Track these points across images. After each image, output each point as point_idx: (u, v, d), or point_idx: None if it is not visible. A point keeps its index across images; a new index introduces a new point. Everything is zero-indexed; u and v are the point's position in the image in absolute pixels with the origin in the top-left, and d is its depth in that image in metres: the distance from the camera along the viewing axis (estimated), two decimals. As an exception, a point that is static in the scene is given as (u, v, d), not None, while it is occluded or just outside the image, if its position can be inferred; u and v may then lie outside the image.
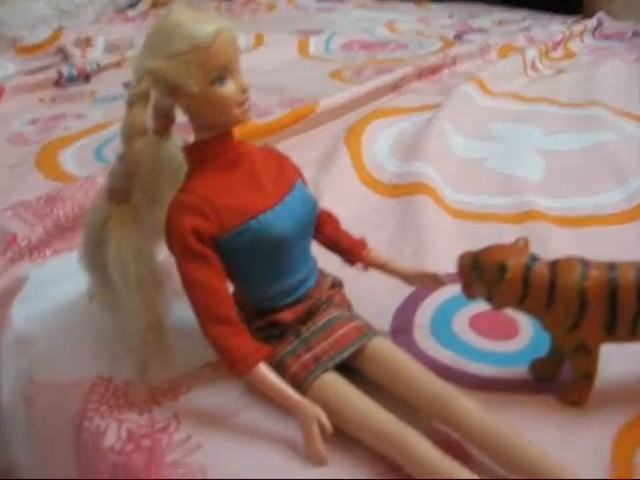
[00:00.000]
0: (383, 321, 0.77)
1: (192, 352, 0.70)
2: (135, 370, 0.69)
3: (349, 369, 0.67)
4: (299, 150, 1.24)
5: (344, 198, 1.07)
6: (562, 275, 0.62)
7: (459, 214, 1.03)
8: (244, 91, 0.64)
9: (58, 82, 1.71)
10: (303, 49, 1.93)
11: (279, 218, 0.66)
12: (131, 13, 2.46)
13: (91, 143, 1.30)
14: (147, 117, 0.65)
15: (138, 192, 0.69)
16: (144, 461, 0.61)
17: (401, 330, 0.77)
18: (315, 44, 1.96)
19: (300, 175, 0.73)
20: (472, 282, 0.65)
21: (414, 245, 0.93)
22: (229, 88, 0.63)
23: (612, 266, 0.63)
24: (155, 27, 0.63)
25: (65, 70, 1.72)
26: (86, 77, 1.74)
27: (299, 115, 1.32)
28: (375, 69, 1.70)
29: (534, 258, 0.64)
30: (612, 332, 0.63)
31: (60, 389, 0.72)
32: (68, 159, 1.23)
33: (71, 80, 1.72)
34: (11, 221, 0.97)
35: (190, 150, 0.67)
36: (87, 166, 1.19)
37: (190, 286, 0.64)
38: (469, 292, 0.66)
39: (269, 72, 1.70)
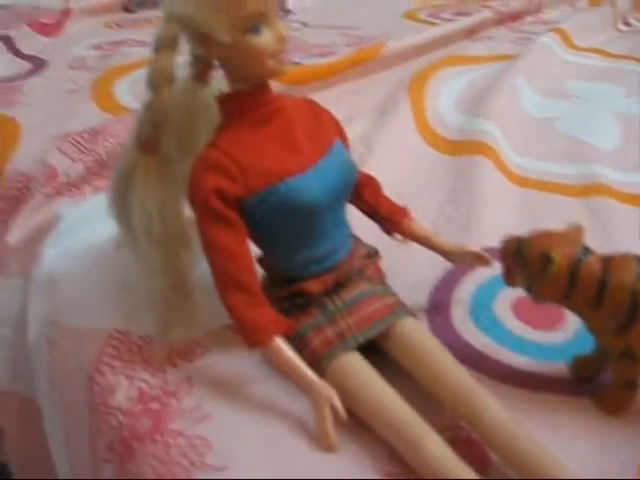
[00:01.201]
0: (420, 295, 0.73)
1: (214, 312, 0.66)
2: (156, 327, 0.67)
3: (376, 349, 0.62)
4: (359, 95, 1.18)
5: (398, 151, 1.02)
6: (615, 273, 0.56)
7: (519, 180, 0.96)
8: (281, 41, 0.58)
9: (127, 6, 1.67)
10: (379, -17, 1.83)
11: (311, 184, 0.60)
12: None
13: (147, 73, 1.26)
14: (175, 63, 0.60)
15: (171, 141, 0.65)
16: (150, 425, 0.59)
17: (438, 307, 0.72)
18: (393, -21, 1.86)
19: (341, 134, 0.68)
20: (514, 270, 0.59)
21: (466, 212, 0.87)
22: (265, 38, 0.57)
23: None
24: None
25: (134, -7, 1.68)
26: (154, 2, 1.69)
27: (363, 57, 1.25)
28: (453, 11, 1.61)
29: (586, 251, 0.57)
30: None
31: (79, 335, 0.71)
32: (123, 90, 1.20)
33: (140, 4, 1.68)
34: (53, 154, 0.95)
35: (223, 101, 0.62)
36: (141, 98, 1.14)
37: (210, 249, 0.60)
38: (510, 280, 0.61)
39: (340, 8, 1.63)
